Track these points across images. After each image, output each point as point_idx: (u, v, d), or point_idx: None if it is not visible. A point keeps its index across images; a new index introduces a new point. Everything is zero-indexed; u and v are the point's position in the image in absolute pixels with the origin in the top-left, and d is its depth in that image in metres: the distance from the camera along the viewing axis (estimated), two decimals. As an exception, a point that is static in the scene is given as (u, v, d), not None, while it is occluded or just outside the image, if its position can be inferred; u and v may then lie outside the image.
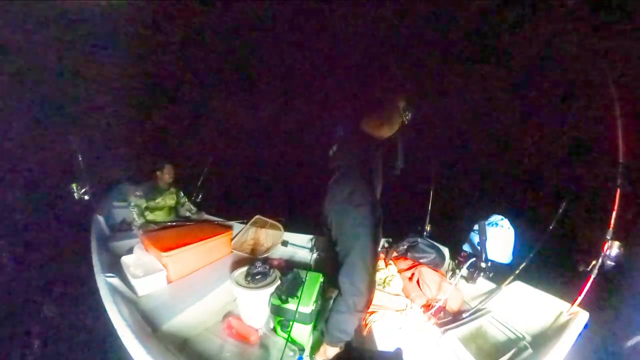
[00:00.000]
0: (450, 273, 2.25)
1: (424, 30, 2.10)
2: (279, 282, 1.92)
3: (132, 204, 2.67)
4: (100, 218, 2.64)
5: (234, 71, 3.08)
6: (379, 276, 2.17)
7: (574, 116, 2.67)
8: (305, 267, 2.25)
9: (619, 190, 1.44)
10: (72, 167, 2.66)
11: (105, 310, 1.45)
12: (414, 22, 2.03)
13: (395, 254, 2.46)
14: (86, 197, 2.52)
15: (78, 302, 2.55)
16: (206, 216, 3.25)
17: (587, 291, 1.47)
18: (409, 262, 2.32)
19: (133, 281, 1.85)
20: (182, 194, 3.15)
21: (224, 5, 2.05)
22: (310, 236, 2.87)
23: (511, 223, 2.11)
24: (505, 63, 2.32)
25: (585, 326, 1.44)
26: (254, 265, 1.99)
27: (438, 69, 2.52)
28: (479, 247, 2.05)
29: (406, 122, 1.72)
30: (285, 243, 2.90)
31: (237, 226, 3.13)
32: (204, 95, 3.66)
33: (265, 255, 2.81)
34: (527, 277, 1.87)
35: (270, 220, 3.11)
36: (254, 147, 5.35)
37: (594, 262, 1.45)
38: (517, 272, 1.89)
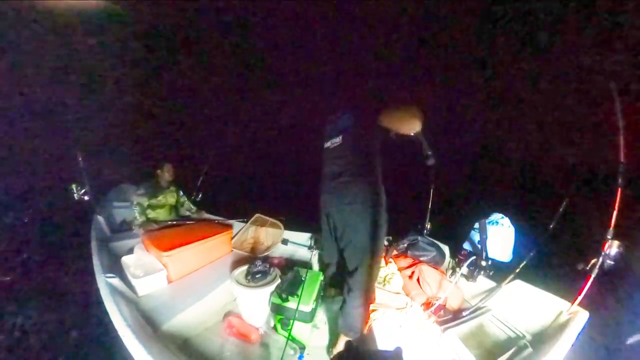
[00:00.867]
0: (450, 271, 2.25)
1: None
2: (279, 280, 1.93)
3: (135, 202, 2.68)
4: (101, 218, 2.64)
5: (235, 72, 3.07)
6: (379, 274, 2.17)
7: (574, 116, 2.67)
8: (306, 265, 2.26)
9: (619, 190, 1.44)
10: (72, 167, 2.65)
11: (105, 310, 1.46)
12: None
13: (395, 252, 2.46)
14: (86, 197, 2.51)
15: (78, 302, 2.55)
16: (206, 215, 3.25)
17: (587, 291, 1.47)
18: (409, 260, 2.32)
19: (133, 281, 1.85)
20: (181, 193, 3.15)
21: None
22: (310, 234, 2.88)
23: (512, 221, 2.10)
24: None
25: (585, 325, 1.44)
26: (254, 264, 2.00)
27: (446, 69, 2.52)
28: (479, 246, 2.05)
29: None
30: (285, 241, 2.90)
31: (237, 225, 3.13)
32: (204, 95, 3.64)
33: (266, 254, 2.81)
34: (527, 275, 1.87)
35: (270, 219, 3.11)
36: (254, 146, 5.34)
37: (593, 262, 1.45)
38: (518, 270, 1.89)
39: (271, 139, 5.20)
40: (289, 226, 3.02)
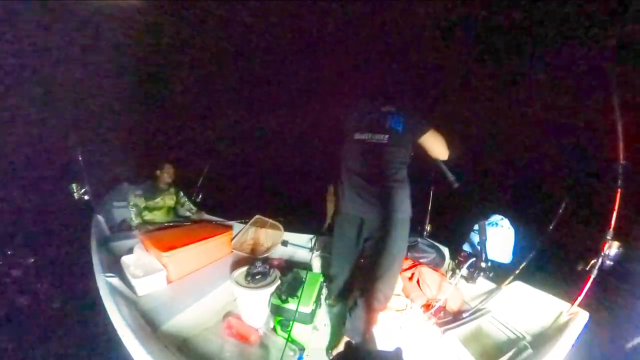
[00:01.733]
0: (450, 273, 2.24)
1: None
2: (279, 282, 1.92)
3: (131, 203, 2.67)
4: (100, 218, 2.64)
5: (236, 73, 3.09)
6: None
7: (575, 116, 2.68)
8: (305, 267, 2.25)
9: (619, 190, 1.44)
10: (72, 167, 2.65)
11: (105, 310, 1.45)
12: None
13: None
14: (86, 197, 2.51)
15: (78, 301, 2.55)
16: (206, 216, 3.25)
17: (587, 291, 1.47)
18: (409, 262, 2.32)
19: (133, 281, 1.84)
20: (182, 194, 3.15)
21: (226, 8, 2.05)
22: (311, 236, 2.87)
23: (511, 223, 2.11)
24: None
25: (585, 326, 1.44)
26: (254, 265, 1.99)
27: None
28: (479, 247, 2.05)
29: None
30: (285, 243, 2.89)
31: (237, 226, 3.13)
32: (204, 95, 3.66)
33: (265, 255, 2.80)
34: (527, 277, 1.87)
35: (270, 220, 3.11)
36: (254, 147, 5.35)
37: (593, 262, 1.45)
38: (517, 272, 1.89)
39: (271, 140, 5.21)
40: (288, 228, 3.02)
